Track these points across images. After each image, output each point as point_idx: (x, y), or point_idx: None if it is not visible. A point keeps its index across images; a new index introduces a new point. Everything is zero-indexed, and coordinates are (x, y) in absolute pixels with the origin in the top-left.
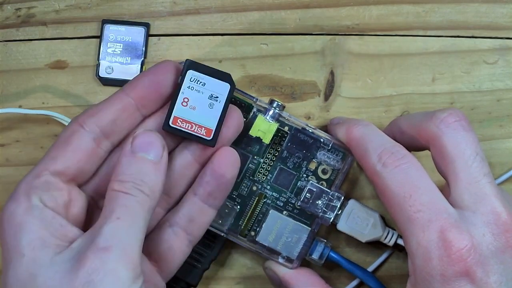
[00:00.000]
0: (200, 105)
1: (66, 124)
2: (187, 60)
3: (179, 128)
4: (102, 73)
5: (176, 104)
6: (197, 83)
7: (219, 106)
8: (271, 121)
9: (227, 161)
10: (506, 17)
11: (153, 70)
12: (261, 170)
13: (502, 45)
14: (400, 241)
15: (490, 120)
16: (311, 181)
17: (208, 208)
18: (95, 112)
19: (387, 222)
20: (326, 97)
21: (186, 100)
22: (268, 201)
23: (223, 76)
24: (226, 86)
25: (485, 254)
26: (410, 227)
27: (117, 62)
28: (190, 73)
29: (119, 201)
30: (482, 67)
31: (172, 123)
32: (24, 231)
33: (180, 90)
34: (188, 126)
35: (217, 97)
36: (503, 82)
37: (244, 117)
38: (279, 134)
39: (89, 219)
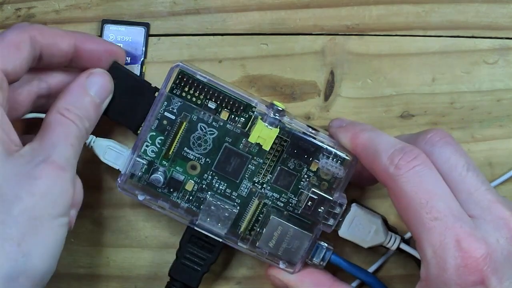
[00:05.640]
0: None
1: None
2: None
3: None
4: None
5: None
6: None
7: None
8: (271, 127)
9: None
10: (506, 17)
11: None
12: (261, 170)
13: (502, 45)
14: (403, 246)
15: (490, 120)
16: (312, 188)
17: None
18: (48, 32)
19: (389, 224)
20: (326, 97)
21: None
22: (268, 202)
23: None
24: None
25: (499, 260)
26: (426, 235)
27: None
28: None
29: (70, 129)
30: (482, 67)
31: None
32: None
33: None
34: None
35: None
36: (503, 82)
37: (242, 118)
38: (280, 139)
39: None
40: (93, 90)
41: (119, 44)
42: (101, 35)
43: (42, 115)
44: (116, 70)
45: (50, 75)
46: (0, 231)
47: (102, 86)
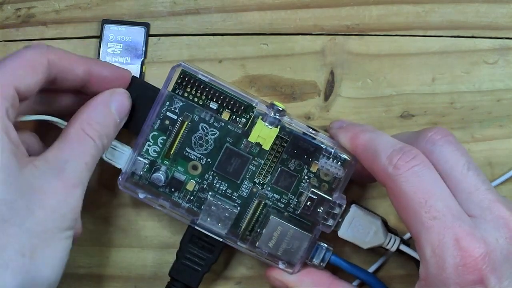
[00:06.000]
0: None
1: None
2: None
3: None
4: None
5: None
6: None
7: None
8: (271, 127)
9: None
10: (506, 17)
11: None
12: (261, 171)
13: (502, 45)
14: (402, 247)
15: (490, 120)
16: (312, 189)
17: None
18: (66, 57)
19: (389, 224)
20: (326, 97)
21: None
22: (269, 202)
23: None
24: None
25: (498, 260)
26: (425, 234)
27: (117, 62)
28: None
29: (88, 147)
30: (482, 67)
31: None
32: None
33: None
34: None
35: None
36: (503, 82)
37: (243, 118)
38: (280, 139)
39: None
40: (115, 108)
41: (119, 44)
42: (101, 35)
43: (49, 118)
44: (137, 84)
45: (62, 99)
46: (14, 243)
47: (123, 105)
